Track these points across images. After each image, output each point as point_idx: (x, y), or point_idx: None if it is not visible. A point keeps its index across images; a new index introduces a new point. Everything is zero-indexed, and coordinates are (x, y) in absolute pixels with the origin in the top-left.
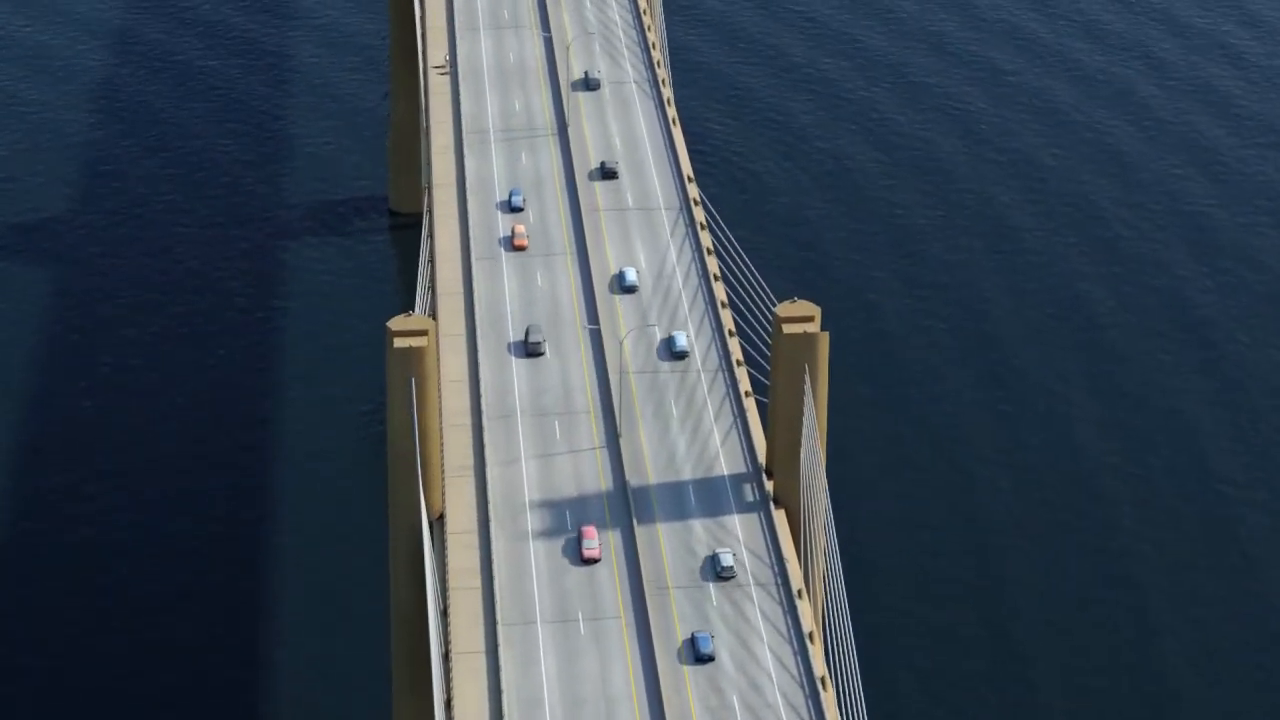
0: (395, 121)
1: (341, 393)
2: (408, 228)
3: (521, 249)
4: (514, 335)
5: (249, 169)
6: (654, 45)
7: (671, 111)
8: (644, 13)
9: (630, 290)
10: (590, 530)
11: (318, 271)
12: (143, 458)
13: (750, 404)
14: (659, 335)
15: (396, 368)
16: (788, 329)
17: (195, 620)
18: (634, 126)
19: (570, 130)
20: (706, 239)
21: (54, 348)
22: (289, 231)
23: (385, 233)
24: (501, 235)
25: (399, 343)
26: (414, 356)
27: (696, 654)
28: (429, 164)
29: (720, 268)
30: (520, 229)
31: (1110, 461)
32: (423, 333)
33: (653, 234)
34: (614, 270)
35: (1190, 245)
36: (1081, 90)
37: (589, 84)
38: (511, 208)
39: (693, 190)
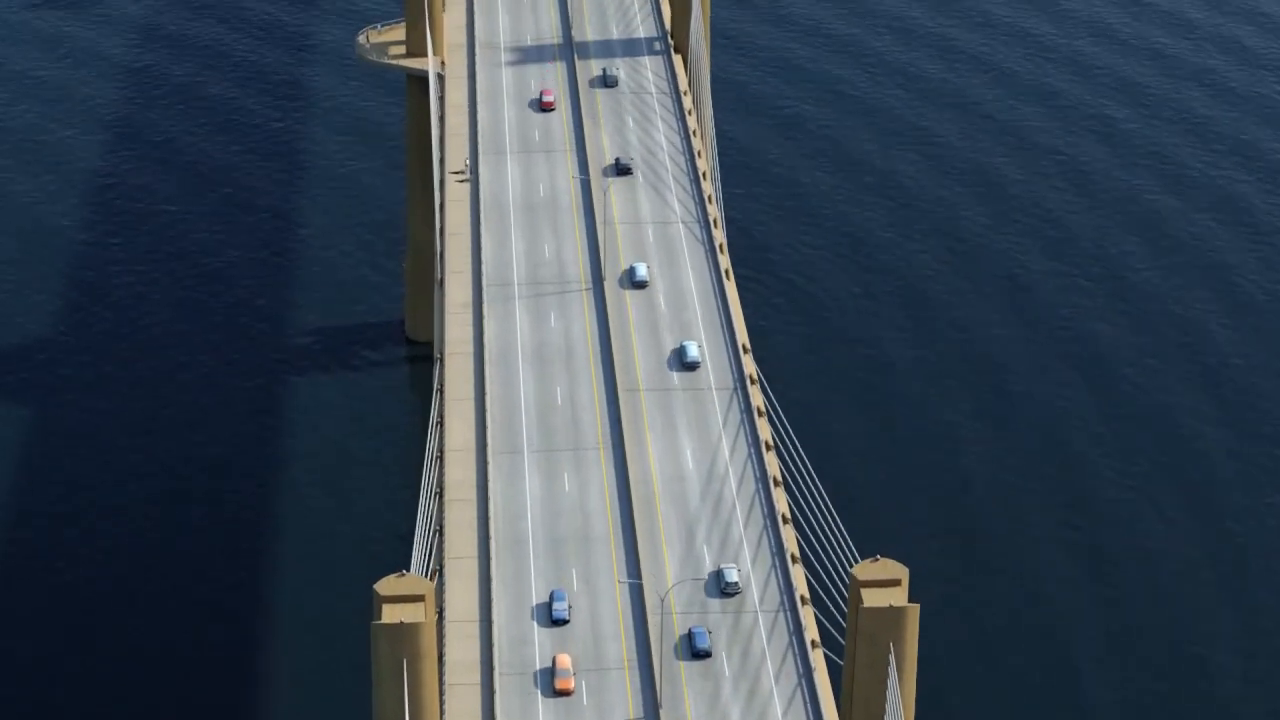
0: (413, 243)
1: (345, 551)
2: (424, 359)
3: (566, 693)
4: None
5: (257, 292)
6: (704, 175)
7: (724, 260)
8: (694, 134)
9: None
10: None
11: (325, 408)
12: (125, 614)
13: (818, 659)
14: (708, 565)
15: (385, 645)
16: (869, 599)
17: None
18: (680, 279)
19: (607, 282)
20: (765, 430)
21: (48, 486)
22: (297, 362)
23: (400, 365)
24: (539, 668)
25: (389, 614)
26: (406, 634)
27: None
28: (442, 326)
29: (781, 470)
30: (565, 663)
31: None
32: (418, 598)
33: (702, 419)
34: (655, 462)
35: None
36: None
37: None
38: (553, 619)
39: (749, 365)
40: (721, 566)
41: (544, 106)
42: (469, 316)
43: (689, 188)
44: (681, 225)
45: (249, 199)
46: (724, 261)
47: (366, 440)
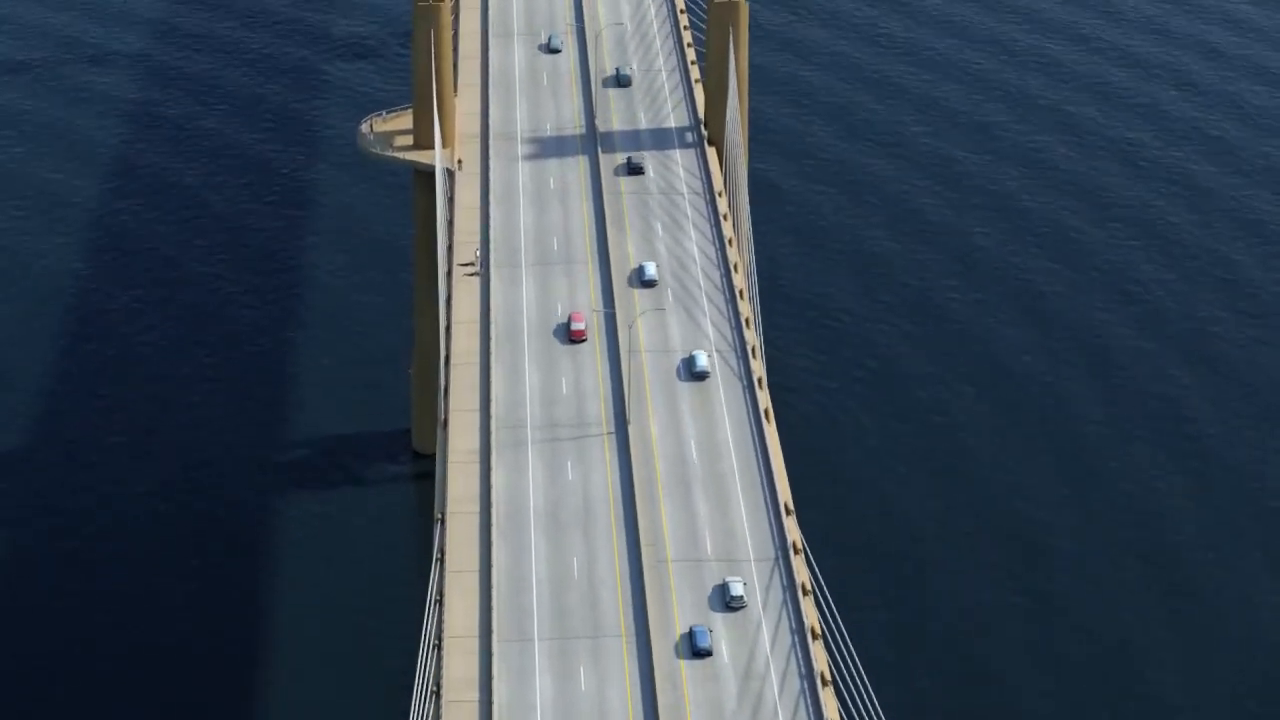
0: (419, 348)
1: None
2: (432, 476)
3: None
4: None
5: (251, 395)
6: (742, 294)
7: (764, 399)
8: (730, 242)
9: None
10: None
11: (319, 537)
12: None
13: None
14: None
15: None
16: None
17: None
18: (715, 426)
19: (633, 424)
20: (811, 613)
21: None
22: (292, 480)
23: (405, 483)
24: None
25: None
26: None
27: None
28: (444, 479)
29: (830, 667)
30: None
31: None
32: None
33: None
34: (685, 656)
35: None
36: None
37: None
38: None
39: (791, 530)
40: (728, 580)
41: (574, 336)
42: (475, 468)
43: (724, 308)
44: (716, 354)
45: (247, 293)
46: (763, 399)
47: (363, 580)
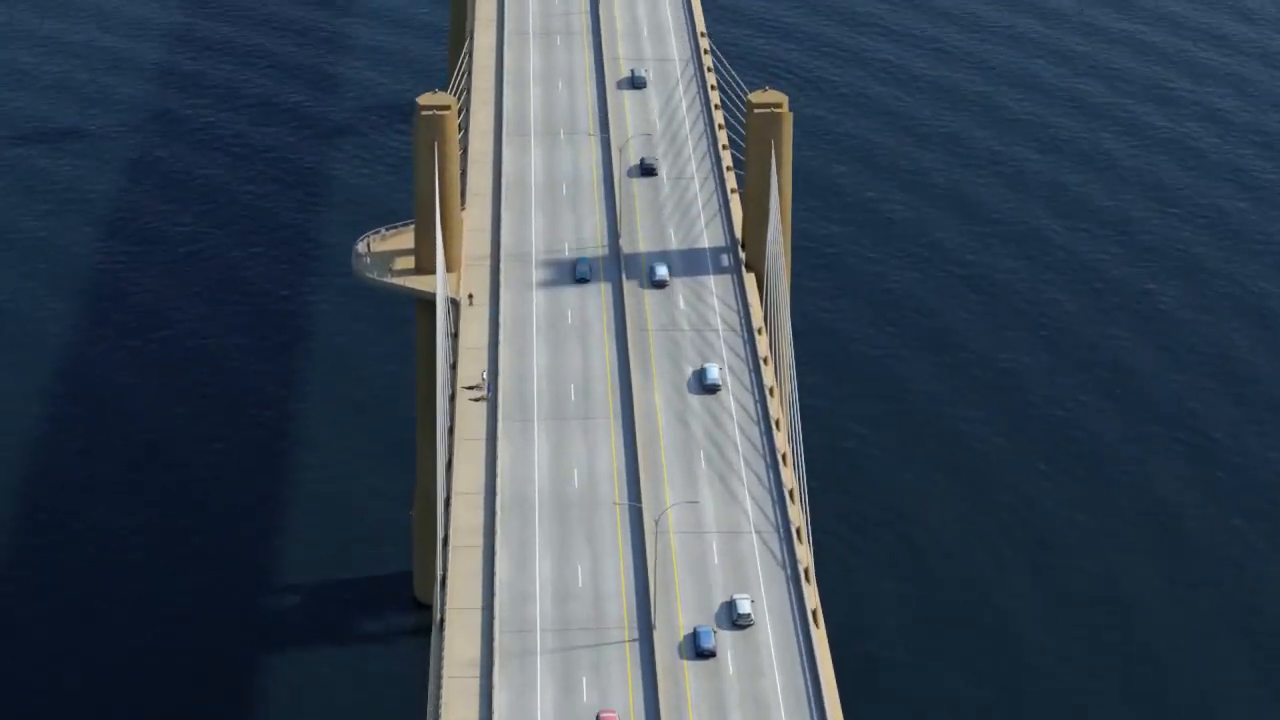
0: (421, 490)
1: None
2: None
3: None
4: None
5: (242, 529)
6: (784, 459)
7: (811, 595)
8: (769, 393)
9: None
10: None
11: (310, 699)
12: None
13: None
14: None
15: None
16: None
17: None
18: (747, 579)
19: (659, 627)
20: None
21: None
22: (280, 635)
23: (404, 638)
24: None
25: None
26: None
27: None
28: (438, 699)
29: None
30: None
31: None
32: None
33: None
34: None
35: None
36: None
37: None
38: None
39: (828, 689)
40: (735, 597)
41: None
42: (475, 684)
43: (765, 477)
44: (756, 536)
45: (237, 419)
46: (810, 597)
47: None
